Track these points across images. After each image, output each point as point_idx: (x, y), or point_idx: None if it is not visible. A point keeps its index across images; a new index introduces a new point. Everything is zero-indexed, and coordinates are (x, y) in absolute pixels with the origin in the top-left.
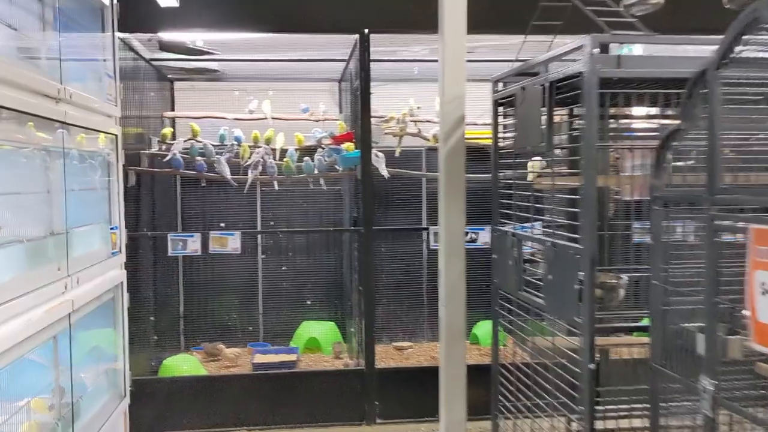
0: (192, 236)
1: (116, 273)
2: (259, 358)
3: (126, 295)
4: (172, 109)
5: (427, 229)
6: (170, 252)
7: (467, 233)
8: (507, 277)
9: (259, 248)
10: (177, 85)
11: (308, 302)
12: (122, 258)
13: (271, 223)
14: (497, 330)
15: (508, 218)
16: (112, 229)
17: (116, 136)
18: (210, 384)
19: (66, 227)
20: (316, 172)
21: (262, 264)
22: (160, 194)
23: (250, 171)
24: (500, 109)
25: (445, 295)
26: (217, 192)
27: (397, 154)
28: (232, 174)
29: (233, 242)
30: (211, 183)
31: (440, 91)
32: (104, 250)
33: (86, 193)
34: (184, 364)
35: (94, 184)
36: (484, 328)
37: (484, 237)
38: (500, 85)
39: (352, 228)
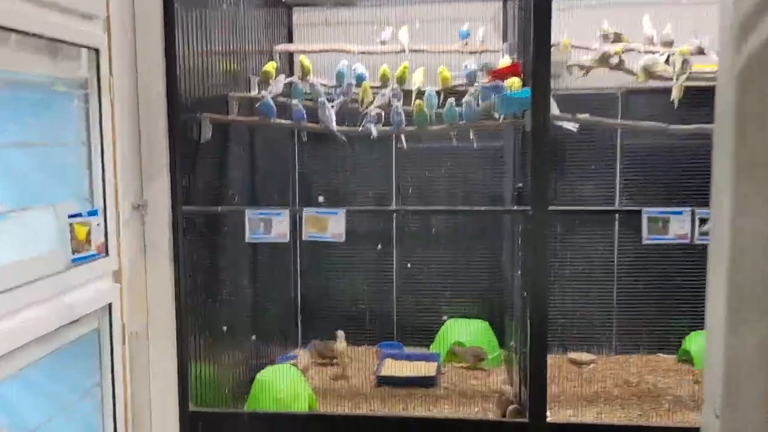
0: (279, 215)
1: (94, 291)
2: (388, 368)
3: (119, 323)
4: (289, 42)
5: (638, 211)
6: (248, 237)
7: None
8: None
9: (394, 228)
10: (296, 13)
11: (444, 318)
12: (110, 263)
13: (409, 191)
14: None
15: None
16: (72, 216)
17: (97, 51)
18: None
19: None
20: (461, 121)
21: (396, 246)
22: (263, 154)
23: (366, 120)
24: None
25: (723, 392)
26: (343, 152)
27: (578, 75)
28: (349, 125)
29: (336, 225)
30: (331, 139)
31: None
32: (56, 255)
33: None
34: (281, 380)
35: (28, 135)
36: (700, 341)
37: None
38: None
39: (515, 208)
